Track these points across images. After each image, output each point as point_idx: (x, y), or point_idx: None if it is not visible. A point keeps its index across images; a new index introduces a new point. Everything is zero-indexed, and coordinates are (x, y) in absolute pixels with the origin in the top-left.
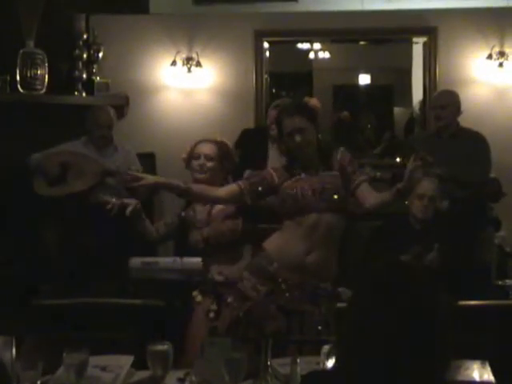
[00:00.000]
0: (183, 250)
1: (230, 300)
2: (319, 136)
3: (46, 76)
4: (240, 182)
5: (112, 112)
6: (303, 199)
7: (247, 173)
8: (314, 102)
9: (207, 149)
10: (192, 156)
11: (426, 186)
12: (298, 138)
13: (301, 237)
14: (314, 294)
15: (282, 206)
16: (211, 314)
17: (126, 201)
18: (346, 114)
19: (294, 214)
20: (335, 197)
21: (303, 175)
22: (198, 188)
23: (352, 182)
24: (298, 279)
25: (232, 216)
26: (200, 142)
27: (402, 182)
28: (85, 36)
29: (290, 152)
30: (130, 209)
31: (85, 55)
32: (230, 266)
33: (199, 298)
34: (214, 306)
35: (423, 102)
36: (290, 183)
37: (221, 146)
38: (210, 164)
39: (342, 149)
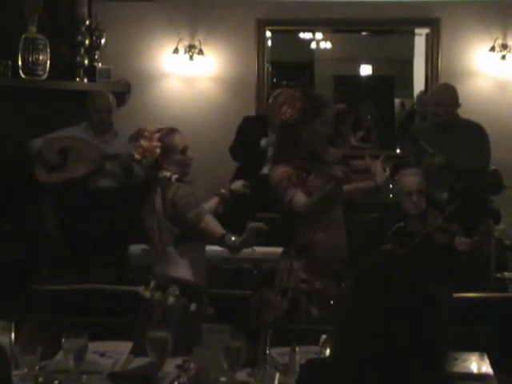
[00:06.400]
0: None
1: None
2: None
3: (48, 62)
4: None
5: (111, 97)
6: None
7: None
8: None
9: (186, 140)
10: (175, 150)
11: (410, 181)
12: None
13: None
14: None
15: None
16: None
17: None
18: (342, 106)
19: None
20: None
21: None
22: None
23: None
24: None
25: None
26: (173, 133)
27: None
28: (87, 22)
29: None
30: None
31: (87, 41)
32: None
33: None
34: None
35: (425, 94)
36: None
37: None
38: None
39: None
